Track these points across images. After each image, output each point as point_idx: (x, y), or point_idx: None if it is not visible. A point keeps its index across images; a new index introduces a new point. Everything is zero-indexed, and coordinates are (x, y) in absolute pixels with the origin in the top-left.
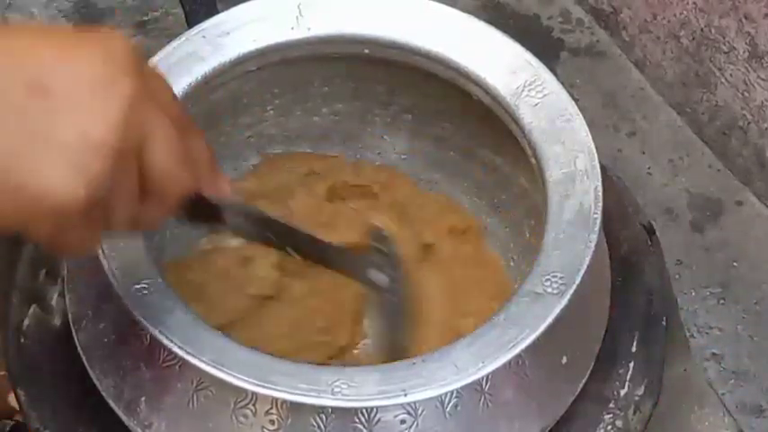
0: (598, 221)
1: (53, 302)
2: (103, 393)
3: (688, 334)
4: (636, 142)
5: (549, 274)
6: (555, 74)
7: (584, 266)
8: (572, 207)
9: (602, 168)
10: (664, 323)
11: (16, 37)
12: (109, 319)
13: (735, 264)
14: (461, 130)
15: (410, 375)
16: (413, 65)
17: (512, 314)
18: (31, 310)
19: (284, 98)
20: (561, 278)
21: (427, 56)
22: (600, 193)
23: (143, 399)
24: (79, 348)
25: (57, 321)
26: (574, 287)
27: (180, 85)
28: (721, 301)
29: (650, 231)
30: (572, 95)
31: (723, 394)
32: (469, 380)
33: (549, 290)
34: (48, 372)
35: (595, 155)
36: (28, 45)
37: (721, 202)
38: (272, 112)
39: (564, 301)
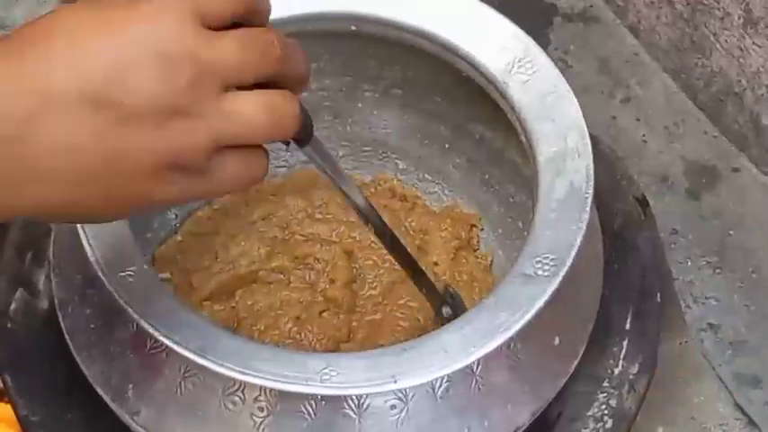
0: (589, 201)
1: (40, 286)
2: (91, 380)
3: (684, 304)
4: (630, 109)
5: (539, 256)
6: (548, 40)
7: (576, 248)
8: (563, 186)
9: (595, 140)
10: (658, 298)
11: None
12: (95, 305)
13: (731, 232)
14: (452, 104)
15: (400, 361)
16: (401, 41)
17: (502, 297)
18: (18, 293)
19: None
20: (552, 260)
21: (415, 32)
22: (591, 172)
23: (131, 386)
24: (66, 334)
25: (44, 305)
26: (565, 269)
27: None
28: (717, 271)
29: (644, 204)
30: (565, 62)
31: (720, 365)
32: (460, 365)
33: (540, 272)
34: (35, 356)
35: (586, 132)
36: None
37: (717, 169)
38: None
39: (555, 284)
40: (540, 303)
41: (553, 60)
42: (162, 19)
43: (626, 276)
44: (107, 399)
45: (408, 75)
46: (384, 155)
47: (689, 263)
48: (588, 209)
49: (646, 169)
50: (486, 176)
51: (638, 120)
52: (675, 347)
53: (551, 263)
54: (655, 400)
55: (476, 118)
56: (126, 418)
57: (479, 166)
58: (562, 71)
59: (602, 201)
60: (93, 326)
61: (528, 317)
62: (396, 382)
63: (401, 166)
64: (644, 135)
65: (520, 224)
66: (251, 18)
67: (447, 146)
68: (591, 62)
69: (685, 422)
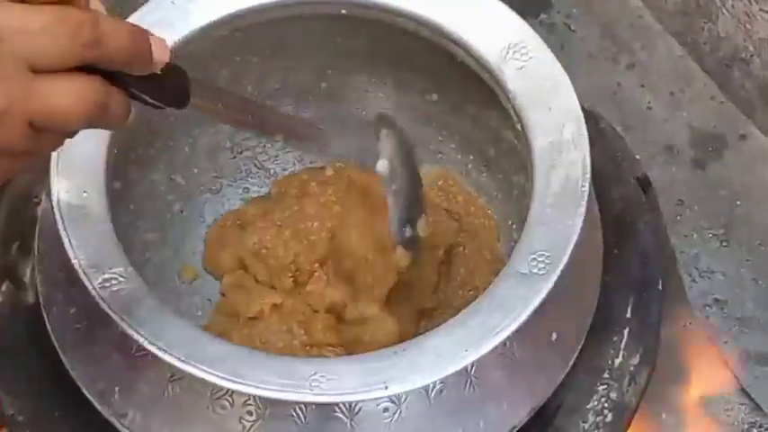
0: (585, 195)
1: (26, 278)
2: (77, 381)
3: (689, 279)
4: (635, 74)
5: (535, 253)
6: (550, 3)
7: (571, 245)
8: (558, 179)
9: (595, 117)
10: (659, 286)
11: None
12: (79, 305)
13: (738, 203)
14: (447, 85)
15: (391, 366)
16: (393, 24)
17: (496, 297)
18: (4, 287)
19: (263, 57)
20: (548, 257)
21: (408, 16)
22: (588, 164)
23: (117, 388)
24: (51, 334)
25: (30, 298)
26: (560, 268)
27: None
28: (724, 243)
29: (645, 184)
30: (568, 26)
31: (726, 342)
32: (452, 369)
33: (535, 270)
34: (22, 353)
35: (583, 121)
36: None
37: (724, 136)
38: (251, 70)
39: (550, 284)
40: (534, 304)
41: (556, 24)
42: None
43: (627, 263)
44: (93, 400)
45: (401, 56)
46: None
47: (694, 235)
48: (584, 203)
49: (650, 138)
50: (485, 156)
51: (643, 86)
52: (678, 330)
53: (547, 260)
54: (658, 386)
55: (471, 98)
56: (113, 420)
57: (476, 146)
58: (565, 36)
59: (601, 184)
60: (78, 326)
61: (522, 318)
62: (387, 388)
63: None
64: (649, 102)
65: (518, 205)
66: None
67: (442, 125)
68: (594, 27)
69: (689, 408)
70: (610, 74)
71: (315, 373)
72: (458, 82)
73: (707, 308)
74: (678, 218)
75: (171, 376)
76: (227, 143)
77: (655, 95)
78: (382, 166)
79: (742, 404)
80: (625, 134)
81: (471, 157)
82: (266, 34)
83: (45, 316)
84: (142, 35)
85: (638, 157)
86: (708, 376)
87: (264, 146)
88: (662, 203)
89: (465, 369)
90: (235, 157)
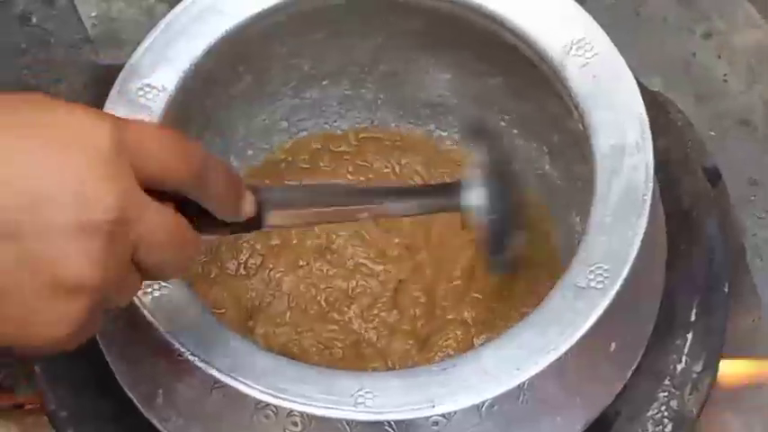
0: (647, 204)
1: None
2: (120, 381)
3: (760, 263)
4: (712, 44)
5: (593, 266)
6: None
7: (632, 259)
8: (619, 186)
9: (662, 104)
10: (726, 288)
11: None
12: None
13: None
14: (509, 70)
15: (439, 383)
16: (451, 13)
17: (551, 311)
18: None
19: (318, 38)
20: (606, 270)
21: (466, 6)
22: (651, 170)
23: (160, 391)
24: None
25: None
26: (620, 282)
27: (205, 40)
28: None
29: (715, 176)
30: None
31: None
32: (502, 390)
33: (593, 284)
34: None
35: (647, 124)
36: None
37: None
38: (306, 51)
39: (609, 298)
40: (591, 320)
41: None
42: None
43: (693, 262)
44: (136, 402)
45: (461, 39)
46: (439, 117)
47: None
48: (646, 213)
49: (724, 112)
50: (547, 143)
51: (720, 57)
52: (747, 325)
53: (605, 273)
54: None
55: (534, 84)
56: (156, 423)
57: (539, 133)
58: (640, 1)
59: (667, 176)
60: (121, 324)
61: (578, 335)
62: (434, 407)
63: (455, 130)
64: (725, 74)
65: (581, 194)
66: None
67: (504, 110)
68: None
69: (755, 409)
70: (685, 43)
71: (360, 389)
72: (520, 68)
73: None
74: (752, 198)
75: (215, 383)
76: (284, 123)
77: (731, 67)
78: (478, 197)
79: None
80: (697, 107)
81: (534, 144)
82: (321, 16)
83: None
84: (239, 186)
85: (712, 133)
86: None
87: (323, 125)
88: (734, 183)
89: None
90: (291, 138)
